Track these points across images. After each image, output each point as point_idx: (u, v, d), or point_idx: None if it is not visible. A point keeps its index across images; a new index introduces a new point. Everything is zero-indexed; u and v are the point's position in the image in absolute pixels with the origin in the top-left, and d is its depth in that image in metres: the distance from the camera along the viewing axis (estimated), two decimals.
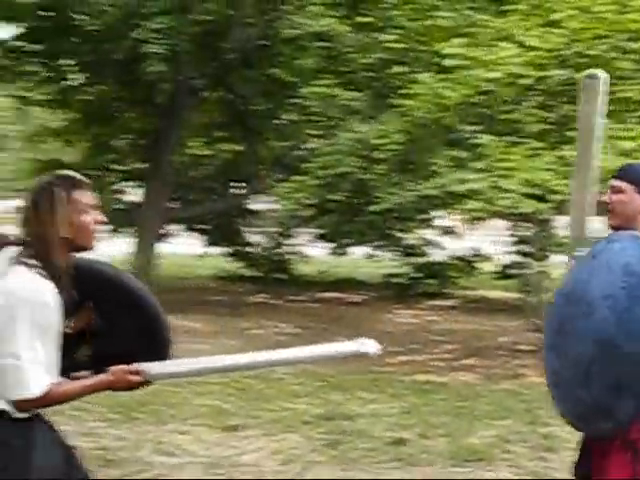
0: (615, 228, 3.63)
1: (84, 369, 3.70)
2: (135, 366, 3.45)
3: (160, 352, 3.77)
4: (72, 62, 18.80)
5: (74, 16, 16.76)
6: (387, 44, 15.30)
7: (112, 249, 24.27)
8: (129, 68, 17.04)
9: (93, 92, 19.82)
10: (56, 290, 3.18)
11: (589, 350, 3.33)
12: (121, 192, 22.39)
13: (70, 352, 3.60)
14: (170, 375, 3.77)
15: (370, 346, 3.49)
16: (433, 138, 13.64)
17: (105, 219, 3.40)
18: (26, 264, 3.17)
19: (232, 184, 22.26)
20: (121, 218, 21.29)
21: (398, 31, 15.43)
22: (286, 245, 23.82)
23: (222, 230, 22.52)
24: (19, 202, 3.46)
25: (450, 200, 12.74)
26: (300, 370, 10.95)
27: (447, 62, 12.92)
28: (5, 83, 19.76)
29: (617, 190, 3.63)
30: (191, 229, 22.95)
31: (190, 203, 21.06)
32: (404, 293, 19.81)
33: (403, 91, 13.50)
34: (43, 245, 3.20)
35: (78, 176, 3.40)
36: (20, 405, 3.13)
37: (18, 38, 18.62)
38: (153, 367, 3.55)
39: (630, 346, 3.22)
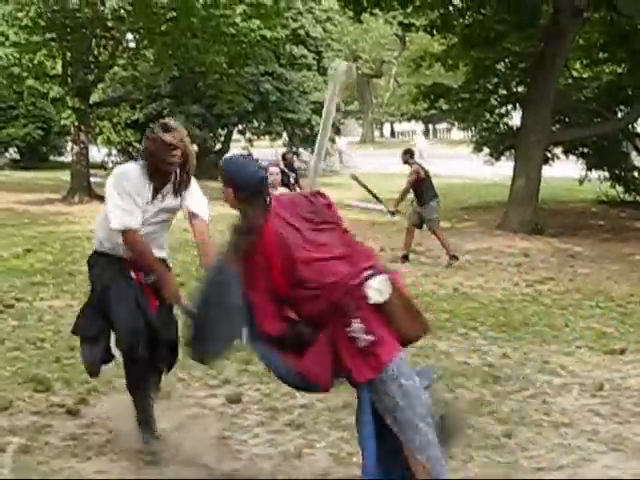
0: None
1: None
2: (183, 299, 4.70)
3: None
4: None
5: None
6: None
7: (493, 172, 24.64)
8: None
9: (474, 16, 20.03)
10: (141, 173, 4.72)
11: None
12: (503, 115, 22.58)
13: None
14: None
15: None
16: None
17: None
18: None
19: (616, 107, 21.69)
20: (502, 141, 21.53)
21: None
22: None
23: (604, 154, 22.02)
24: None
25: None
26: None
27: None
28: (385, 10, 20.40)
29: None
30: (571, 152, 22.67)
31: (571, 126, 20.80)
32: None
33: None
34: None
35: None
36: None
37: None
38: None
39: None
